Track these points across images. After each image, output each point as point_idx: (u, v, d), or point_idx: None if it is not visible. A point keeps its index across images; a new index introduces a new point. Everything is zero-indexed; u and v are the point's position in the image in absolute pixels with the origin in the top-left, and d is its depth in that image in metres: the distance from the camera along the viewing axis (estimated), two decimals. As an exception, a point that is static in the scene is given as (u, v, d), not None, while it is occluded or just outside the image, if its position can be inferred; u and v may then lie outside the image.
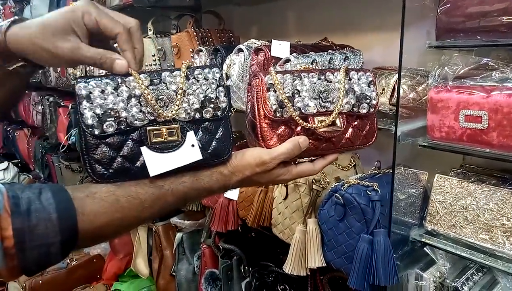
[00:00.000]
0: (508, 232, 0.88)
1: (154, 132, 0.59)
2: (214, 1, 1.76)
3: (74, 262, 2.38)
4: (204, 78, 0.62)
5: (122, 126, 0.57)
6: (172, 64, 1.54)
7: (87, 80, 0.56)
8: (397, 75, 1.09)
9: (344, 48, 1.19)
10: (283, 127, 0.66)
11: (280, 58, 1.10)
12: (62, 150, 2.45)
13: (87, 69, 1.73)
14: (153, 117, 0.58)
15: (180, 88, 0.60)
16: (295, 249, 1.11)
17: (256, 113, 0.65)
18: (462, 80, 0.89)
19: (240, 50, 1.22)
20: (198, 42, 1.47)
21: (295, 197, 1.16)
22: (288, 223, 1.18)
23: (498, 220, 0.90)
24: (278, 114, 0.64)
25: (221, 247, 1.58)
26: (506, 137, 0.81)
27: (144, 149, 0.59)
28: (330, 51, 1.11)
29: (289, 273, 1.12)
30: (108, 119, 0.56)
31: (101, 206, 0.55)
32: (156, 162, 0.59)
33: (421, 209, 1.08)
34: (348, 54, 1.12)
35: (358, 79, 0.72)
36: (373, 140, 0.75)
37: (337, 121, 0.69)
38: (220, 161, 0.64)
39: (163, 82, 0.59)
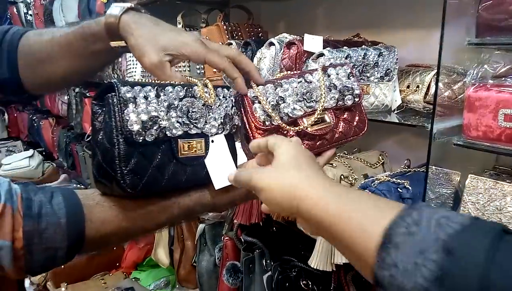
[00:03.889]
0: (544, 235, 0.86)
1: (185, 144, 0.59)
2: (242, -4, 1.77)
3: (95, 249, 2.43)
4: (223, 97, 0.64)
5: (160, 136, 0.56)
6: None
7: (131, 84, 0.54)
8: (432, 72, 1.08)
9: (377, 44, 1.18)
10: (275, 134, 0.67)
11: (312, 53, 1.10)
12: (87, 140, 2.50)
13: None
14: (186, 129, 0.58)
15: (209, 102, 0.62)
16: (322, 243, 1.11)
17: (247, 126, 0.68)
18: (503, 78, 0.87)
19: (272, 44, 1.22)
20: (227, 36, 1.48)
21: (323, 192, 1.16)
22: (314, 218, 1.18)
23: (533, 223, 0.88)
24: (267, 123, 0.67)
25: (243, 240, 1.59)
26: (547, 138, 0.79)
27: (207, 161, 0.61)
28: (364, 46, 1.10)
29: (315, 267, 1.12)
30: (153, 126, 0.55)
31: (109, 215, 0.55)
32: (218, 175, 0.60)
33: (452, 209, 1.07)
34: (382, 50, 1.10)
35: (337, 74, 0.74)
36: (365, 129, 0.78)
37: (326, 117, 0.72)
38: None
39: (194, 96, 0.60)
